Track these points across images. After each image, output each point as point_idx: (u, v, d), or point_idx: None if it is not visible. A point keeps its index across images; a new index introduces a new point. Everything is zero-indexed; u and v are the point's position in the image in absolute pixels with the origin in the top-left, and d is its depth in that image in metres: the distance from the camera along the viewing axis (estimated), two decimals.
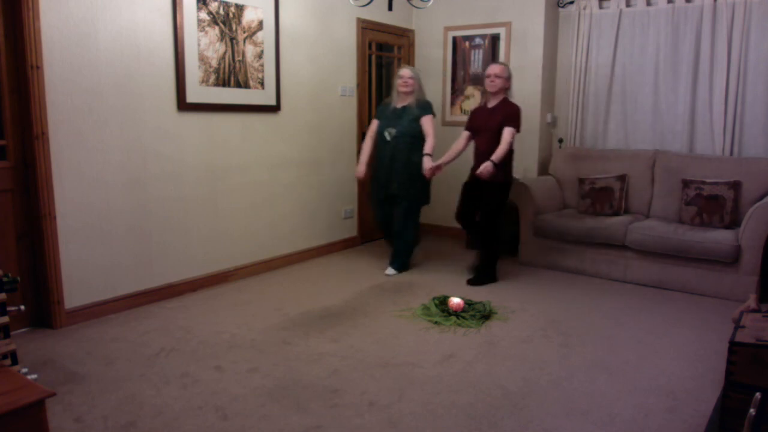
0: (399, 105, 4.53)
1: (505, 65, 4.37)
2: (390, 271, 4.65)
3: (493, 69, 4.26)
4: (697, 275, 4.22)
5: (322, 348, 3.22)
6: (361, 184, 5.34)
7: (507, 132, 4.18)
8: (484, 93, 4.46)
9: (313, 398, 2.66)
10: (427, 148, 4.43)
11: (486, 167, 4.08)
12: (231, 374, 2.90)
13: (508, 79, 4.30)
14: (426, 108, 4.51)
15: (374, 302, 3.99)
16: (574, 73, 5.39)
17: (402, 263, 4.70)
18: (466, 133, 4.46)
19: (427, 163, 4.37)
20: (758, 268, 4.02)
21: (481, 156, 4.26)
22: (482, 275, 4.45)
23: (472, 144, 4.48)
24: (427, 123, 4.47)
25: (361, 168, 4.66)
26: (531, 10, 5.33)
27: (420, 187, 4.55)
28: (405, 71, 4.53)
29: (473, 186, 4.38)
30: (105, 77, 3.54)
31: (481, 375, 2.91)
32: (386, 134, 4.50)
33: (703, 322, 3.67)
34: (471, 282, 4.42)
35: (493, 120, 4.24)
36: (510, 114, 4.22)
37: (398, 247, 4.68)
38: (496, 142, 4.19)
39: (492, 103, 4.31)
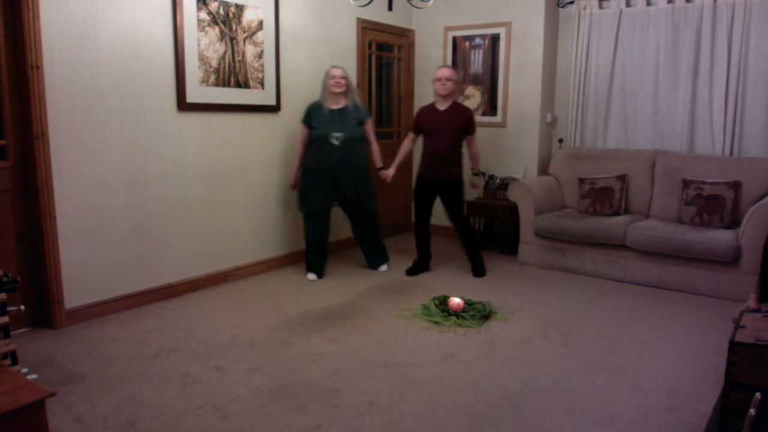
0: (334, 107, 4.35)
1: (454, 68, 4.65)
2: (384, 267, 4.77)
3: (445, 72, 4.37)
4: (697, 275, 4.22)
5: (322, 348, 3.22)
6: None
7: (474, 139, 4.55)
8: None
9: (313, 398, 2.66)
10: (379, 160, 4.59)
11: (479, 181, 4.60)
12: (231, 374, 2.90)
13: (457, 81, 4.52)
14: (367, 112, 4.52)
15: (374, 302, 3.99)
16: (574, 73, 5.39)
17: (386, 257, 4.83)
18: (412, 135, 4.60)
19: (385, 175, 4.57)
20: (758, 268, 4.02)
21: (439, 157, 4.43)
22: (482, 264, 4.71)
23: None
24: (371, 130, 4.52)
25: (295, 177, 4.50)
26: (531, 10, 5.33)
27: (373, 189, 4.60)
28: (337, 71, 4.33)
29: (430, 188, 4.54)
30: (105, 77, 3.54)
31: (481, 375, 2.91)
32: (332, 139, 4.28)
33: (703, 322, 3.67)
34: (479, 274, 4.65)
35: (451, 122, 4.41)
36: (471, 119, 4.48)
37: (380, 247, 4.76)
38: (455, 143, 4.45)
39: (444, 106, 4.44)
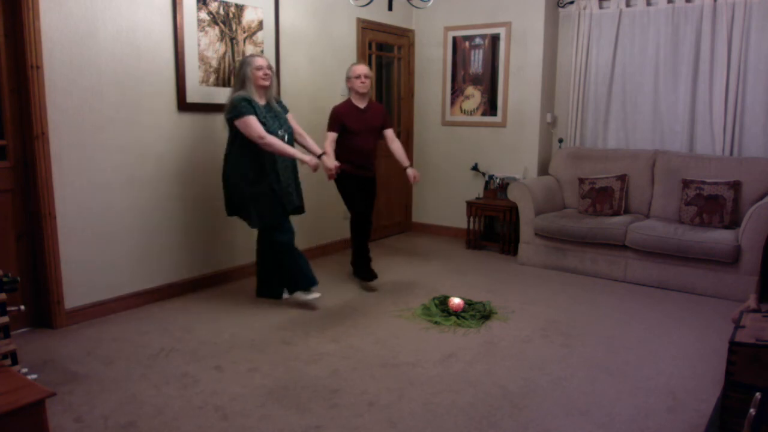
0: (262, 102, 3.67)
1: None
2: (317, 294, 3.90)
3: (363, 69, 4.24)
4: (697, 275, 4.22)
5: (322, 348, 3.22)
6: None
7: (393, 132, 4.44)
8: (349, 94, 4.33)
9: (313, 398, 2.66)
10: (316, 147, 3.96)
11: (417, 172, 4.38)
12: (231, 374, 2.90)
13: (372, 79, 4.39)
14: (284, 105, 3.93)
15: (374, 302, 3.99)
16: (574, 73, 5.39)
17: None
18: (334, 135, 4.19)
19: (331, 162, 3.95)
20: (758, 268, 4.02)
21: (367, 156, 4.33)
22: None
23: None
24: (295, 121, 3.94)
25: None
26: (531, 10, 5.33)
27: None
28: (263, 60, 3.64)
29: (359, 186, 4.34)
30: (105, 77, 3.54)
31: (481, 375, 2.91)
32: (283, 136, 3.71)
33: (703, 322, 3.67)
34: (375, 276, 4.36)
35: (374, 121, 4.32)
36: (387, 115, 4.46)
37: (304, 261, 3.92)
38: (377, 140, 4.40)
39: (363, 104, 4.29)
